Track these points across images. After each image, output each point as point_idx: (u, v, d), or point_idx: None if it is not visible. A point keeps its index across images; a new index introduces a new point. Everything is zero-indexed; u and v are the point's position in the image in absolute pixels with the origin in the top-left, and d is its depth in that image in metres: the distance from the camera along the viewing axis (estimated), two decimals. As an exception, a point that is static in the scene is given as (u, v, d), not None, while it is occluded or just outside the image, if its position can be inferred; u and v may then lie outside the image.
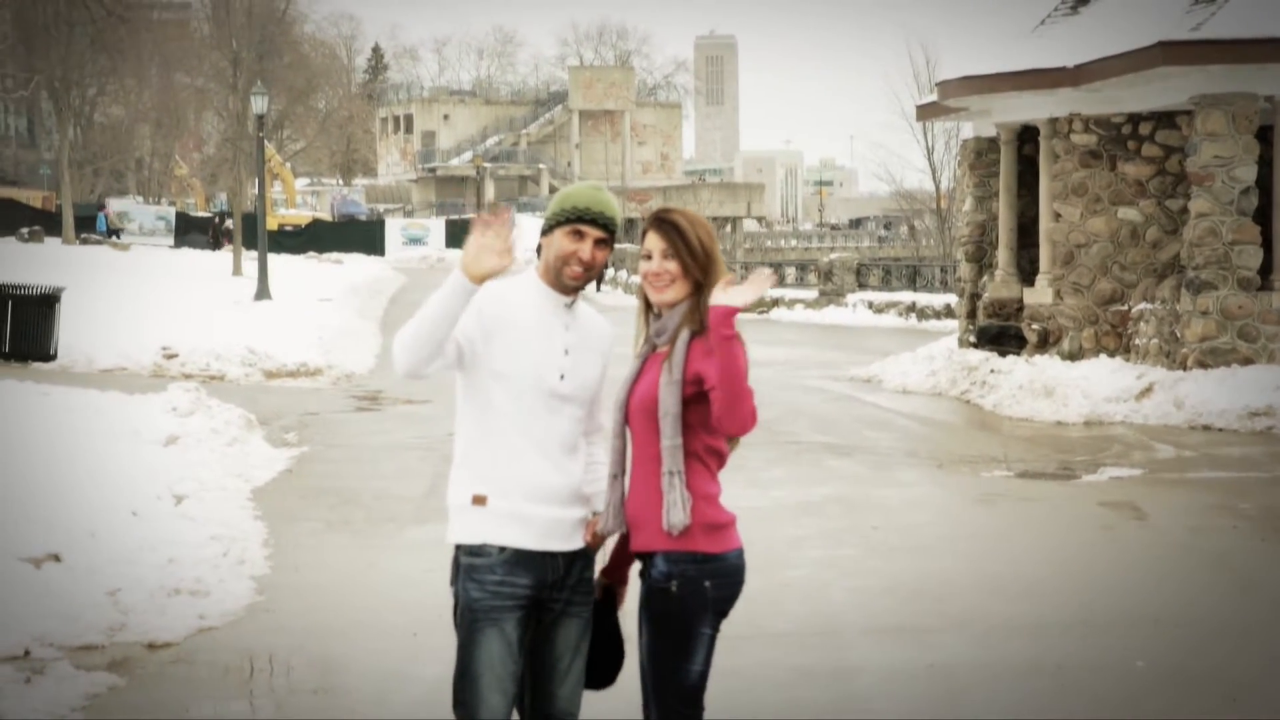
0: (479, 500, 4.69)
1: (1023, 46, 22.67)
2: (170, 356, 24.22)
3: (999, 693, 7.57)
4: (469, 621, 4.65)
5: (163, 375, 22.50)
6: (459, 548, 4.73)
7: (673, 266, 4.67)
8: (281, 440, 16.37)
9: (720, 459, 4.74)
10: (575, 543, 4.76)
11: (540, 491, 4.70)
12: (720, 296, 4.45)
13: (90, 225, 68.56)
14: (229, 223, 64.73)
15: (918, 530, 11.95)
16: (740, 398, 4.47)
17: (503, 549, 4.66)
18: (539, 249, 4.83)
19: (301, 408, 19.74)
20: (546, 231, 4.78)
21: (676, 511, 4.59)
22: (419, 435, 17.10)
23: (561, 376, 4.72)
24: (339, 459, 15.48)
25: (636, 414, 4.71)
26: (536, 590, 4.68)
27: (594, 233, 4.71)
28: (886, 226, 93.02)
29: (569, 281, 4.74)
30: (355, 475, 14.42)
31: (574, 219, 4.70)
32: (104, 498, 11.11)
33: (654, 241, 4.68)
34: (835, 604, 9.30)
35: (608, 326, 4.97)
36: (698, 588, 4.62)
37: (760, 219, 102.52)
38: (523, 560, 4.66)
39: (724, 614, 4.71)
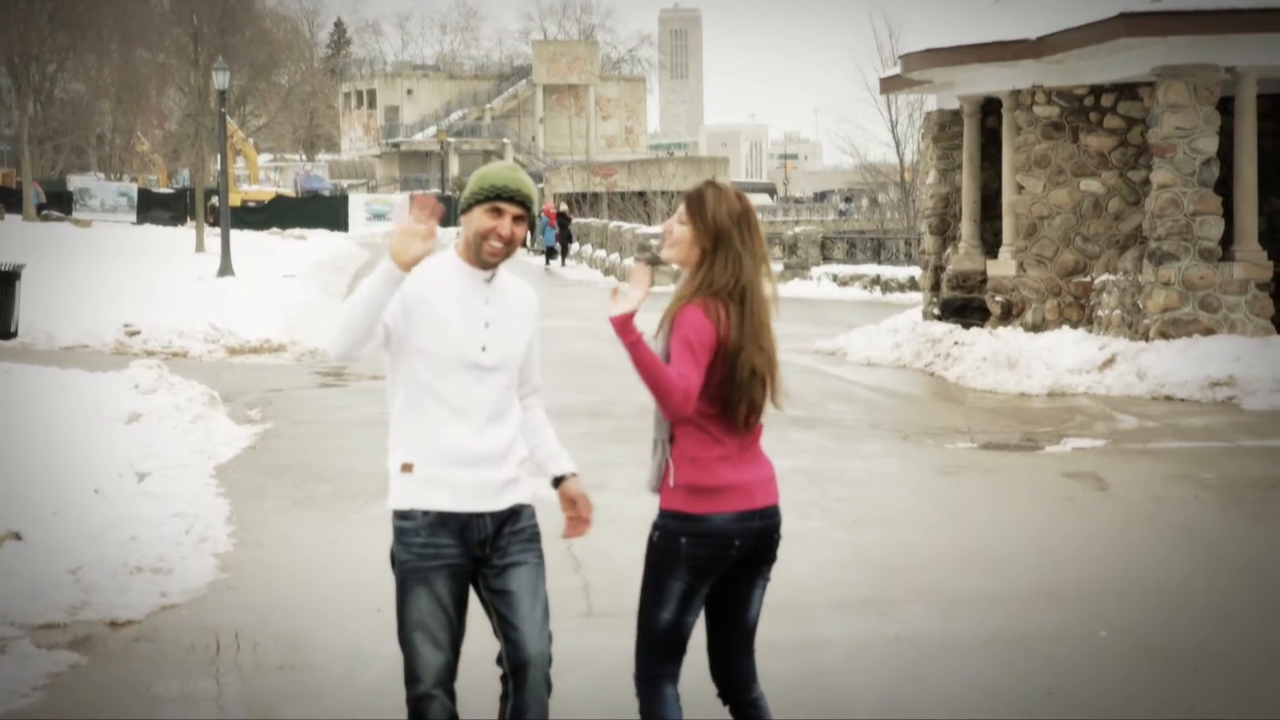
0: (406, 468, 4.99)
1: (985, 19, 22.71)
2: (132, 334, 24.09)
3: (964, 664, 7.60)
4: (400, 582, 4.97)
5: (125, 352, 22.40)
6: (392, 513, 5.02)
7: (684, 232, 4.95)
8: (245, 417, 16.30)
9: (724, 424, 4.92)
10: (503, 503, 4.99)
11: (464, 457, 4.94)
12: (609, 307, 4.76)
13: (52, 202, 68.12)
14: (214, 199, 64.72)
15: (882, 502, 11.99)
16: (659, 394, 4.76)
17: (426, 512, 4.94)
18: None
19: (265, 384, 19.66)
20: (465, 210, 5.01)
21: (654, 476, 4.95)
22: (383, 411, 16.92)
23: (483, 348, 4.97)
24: (303, 435, 15.42)
25: None
26: (464, 549, 4.95)
27: (511, 209, 4.95)
28: (847, 200, 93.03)
29: (488, 258, 4.97)
30: (319, 451, 14.37)
31: (492, 197, 4.94)
32: (66, 476, 11.05)
33: (681, 207, 5.01)
34: (801, 576, 9.31)
35: (532, 296, 5.20)
36: (674, 543, 4.92)
37: (772, 193, 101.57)
38: (447, 522, 4.93)
39: (703, 572, 4.94)
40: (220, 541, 10.23)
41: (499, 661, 5.04)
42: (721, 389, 4.90)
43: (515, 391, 5.09)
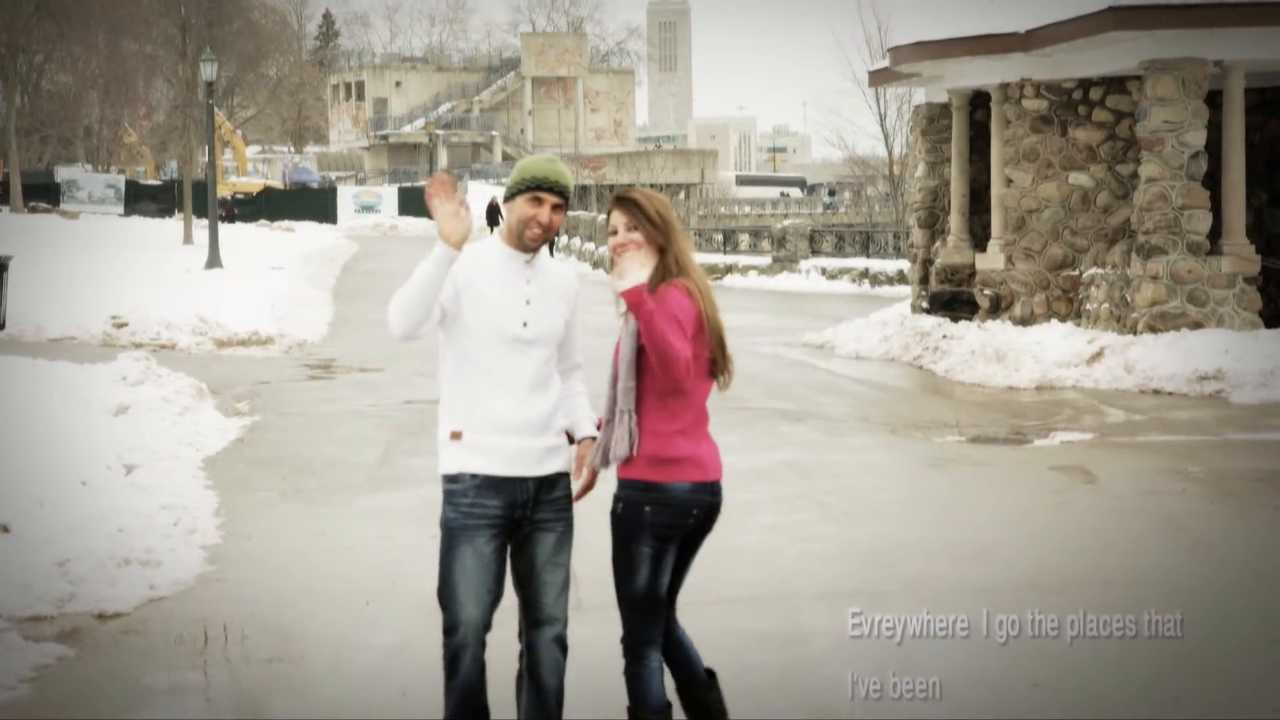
0: (456, 435, 5.43)
1: (975, 12, 22.69)
2: (120, 325, 24.06)
3: (951, 655, 7.60)
4: (447, 539, 5.39)
5: (113, 344, 22.37)
6: (442, 477, 5.45)
7: (636, 236, 5.42)
8: (233, 409, 16.29)
9: (687, 397, 5.42)
10: (544, 469, 5.45)
11: (507, 425, 5.39)
12: (616, 284, 5.25)
13: (40, 194, 67.93)
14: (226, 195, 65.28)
15: (870, 495, 12.00)
16: (666, 362, 5.25)
17: (474, 475, 5.38)
18: (489, 211, 5.29)
19: (253, 376, 19.65)
20: (509, 199, 5.50)
21: (621, 445, 5.38)
22: (372, 403, 17.05)
23: (524, 324, 5.43)
24: (291, 428, 15.41)
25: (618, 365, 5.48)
26: (507, 510, 5.39)
27: (550, 199, 5.43)
28: (831, 193, 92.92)
29: (529, 242, 5.47)
30: (307, 444, 14.36)
31: (533, 187, 5.42)
32: (54, 467, 11.03)
33: (618, 218, 5.47)
34: (788, 569, 9.32)
35: (573, 276, 5.71)
36: (637, 511, 5.40)
37: (802, 185, 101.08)
38: (493, 484, 5.37)
39: (666, 538, 5.42)
40: (208, 534, 10.22)
41: (519, 627, 5.50)
42: (710, 356, 5.46)
43: (555, 365, 5.55)
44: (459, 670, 5.35)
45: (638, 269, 5.25)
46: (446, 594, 5.36)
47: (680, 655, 5.66)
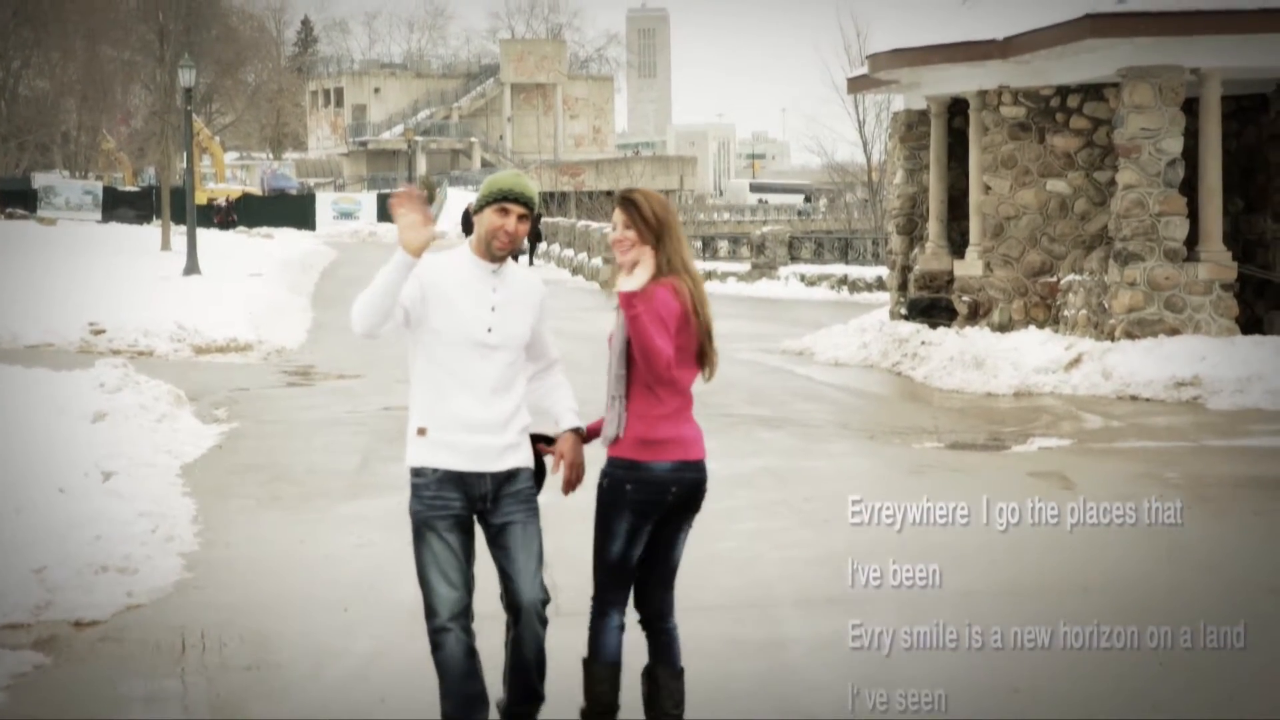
0: (421, 431, 5.80)
1: (953, 19, 22.78)
2: (98, 332, 23.98)
3: (929, 661, 7.62)
4: (415, 530, 5.79)
5: (90, 351, 22.30)
6: (409, 470, 5.81)
7: (631, 234, 5.79)
8: (211, 416, 16.24)
9: (672, 385, 5.79)
10: (502, 464, 5.81)
11: (469, 424, 5.76)
12: (620, 284, 5.69)
13: (17, 200, 67.74)
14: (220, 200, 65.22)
15: (849, 502, 11.99)
16: (648, 358, 5.67)
17: (436, 470, 5.76)
18: (465, 217, 5.52)
19: (231, 383, 19.60)
20: (478, 211, 5.86)
21: (610, 427, 5.82)
22: (350, 410, 17.01)
23: (489, 330, 5.80)
24: (269, 434, 15.37)
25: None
26: (468, 504, 5.78)
27: (516, 209, 5.81)
28: (807, 199, 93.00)
29: (496, 251, 5.83)
30: (286, 451, 14.33)
31: (500, 199, 5.78)
32: (31, 474, 10.98)
33: (617, 216, 5.85)
34: (767, 575, 9.32)
35: (538, 283, 6.07)
36: (619, 487, 5.82)
37: (808, 197, 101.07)
38: (453, 479, 5.76)
39: (644, 514, 5.82)
40: (186, 541, 10.19)
41: (501, 599, 5.88)
42: (697, 349, 5.84)
43: (521, 368, 5.93)
44: (444, 652, 5.70)
45: (644, 273, 5.68)
46: (422, 580, 5.75)
47: (665, 640, 6.04)
